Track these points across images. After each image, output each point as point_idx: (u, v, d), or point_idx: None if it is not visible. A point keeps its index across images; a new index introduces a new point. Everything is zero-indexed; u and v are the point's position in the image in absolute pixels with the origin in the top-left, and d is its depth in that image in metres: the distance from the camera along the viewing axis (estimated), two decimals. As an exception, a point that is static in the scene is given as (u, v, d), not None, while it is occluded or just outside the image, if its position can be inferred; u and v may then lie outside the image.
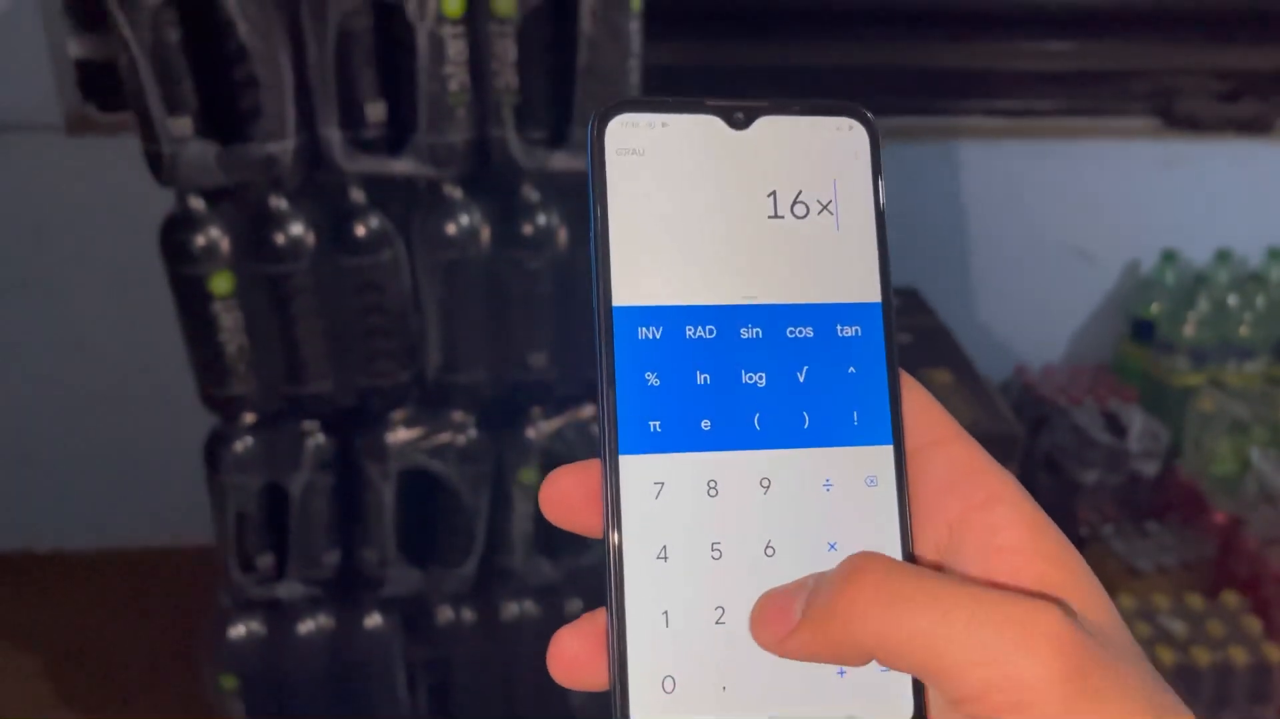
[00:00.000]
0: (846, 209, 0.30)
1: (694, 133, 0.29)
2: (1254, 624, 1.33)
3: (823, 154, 0.30)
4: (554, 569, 1.26)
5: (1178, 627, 1.34)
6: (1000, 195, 1.59)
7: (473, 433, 1.17)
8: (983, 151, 1.58)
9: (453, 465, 1.16)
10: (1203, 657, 1.29)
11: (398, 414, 1.16)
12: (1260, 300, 1.55)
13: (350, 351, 1.10)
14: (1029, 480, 1.29)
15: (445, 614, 1.28)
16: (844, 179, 0.30)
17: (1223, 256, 1.59)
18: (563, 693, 1.35)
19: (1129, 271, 1.67)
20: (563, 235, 1.06)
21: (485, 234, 1.06)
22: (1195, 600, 1.38)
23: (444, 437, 1.16)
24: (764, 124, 0.30)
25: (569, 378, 1.15)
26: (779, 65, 1.55)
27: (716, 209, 0.29)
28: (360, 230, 1.05)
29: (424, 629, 1.28)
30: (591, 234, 0.28)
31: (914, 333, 1.40)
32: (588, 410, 1.18)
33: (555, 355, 1.13)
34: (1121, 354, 1.67)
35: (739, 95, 0.30)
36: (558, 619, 1.30)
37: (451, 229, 1.05)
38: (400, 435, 1.15)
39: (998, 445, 1.19)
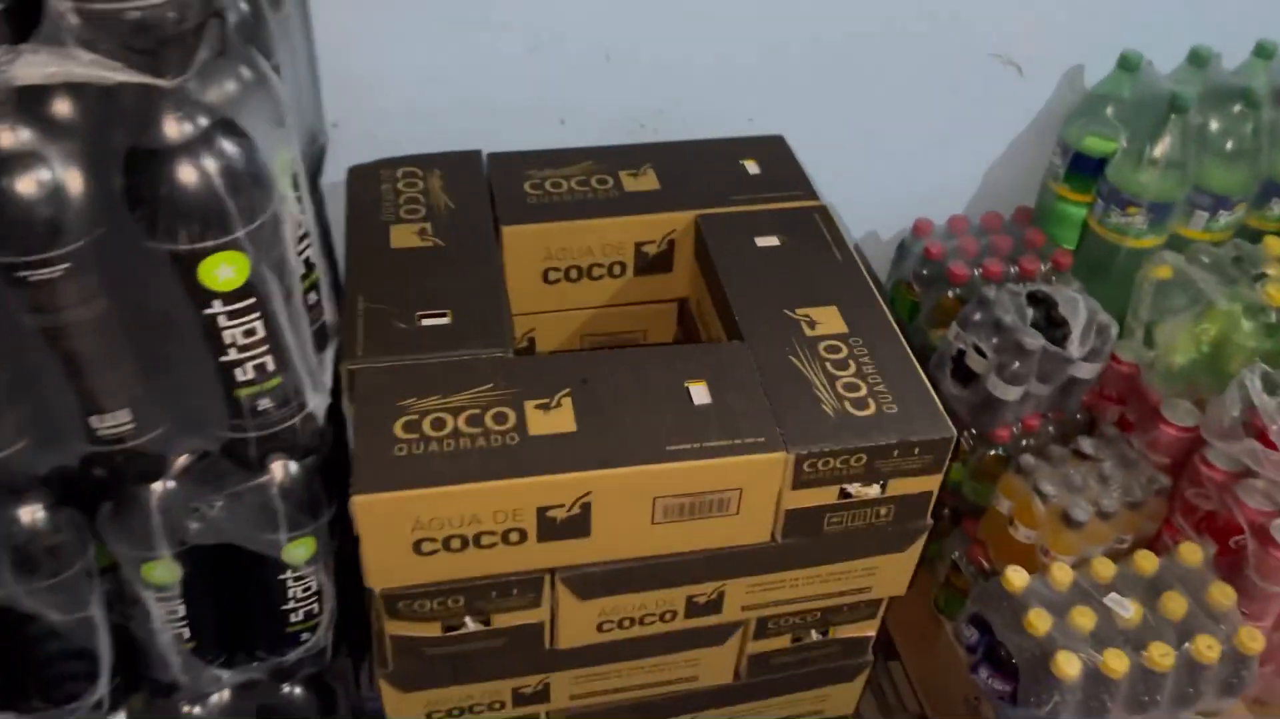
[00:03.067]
0: None
1: None
2: (1225, 595, 1.01)
3: None
4: (242, 674, 0.81)
5: (1131, 611, 1.00)
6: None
7: (40, 525, 0.67)
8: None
9: (9, 581, 0.67)
10: (1164, 657, 0.96)
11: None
12: (1249, 123, 1.12)
13: None
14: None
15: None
16: None
17: (1198, 59, 1.14)
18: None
19: (1069, 83, 1.20)
20: (85, 201, 0.52)
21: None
22: (1146, 563, 1.04)
23: (-19, 540, 0.66)
24: None
25: (182, 435, 0.65)
26: None
27: None
28: None
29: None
30: None
31: (781, 228, 0.93)
32: (225, 466, 0.68)
33: (146, 410, 0.61)
34: (1049, 196, 1.23)
35: None
36: (273, 711, 0.87)
37: None
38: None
39: (925, 453, 0.77)
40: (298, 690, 0.86)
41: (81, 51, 0.46)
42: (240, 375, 0.59)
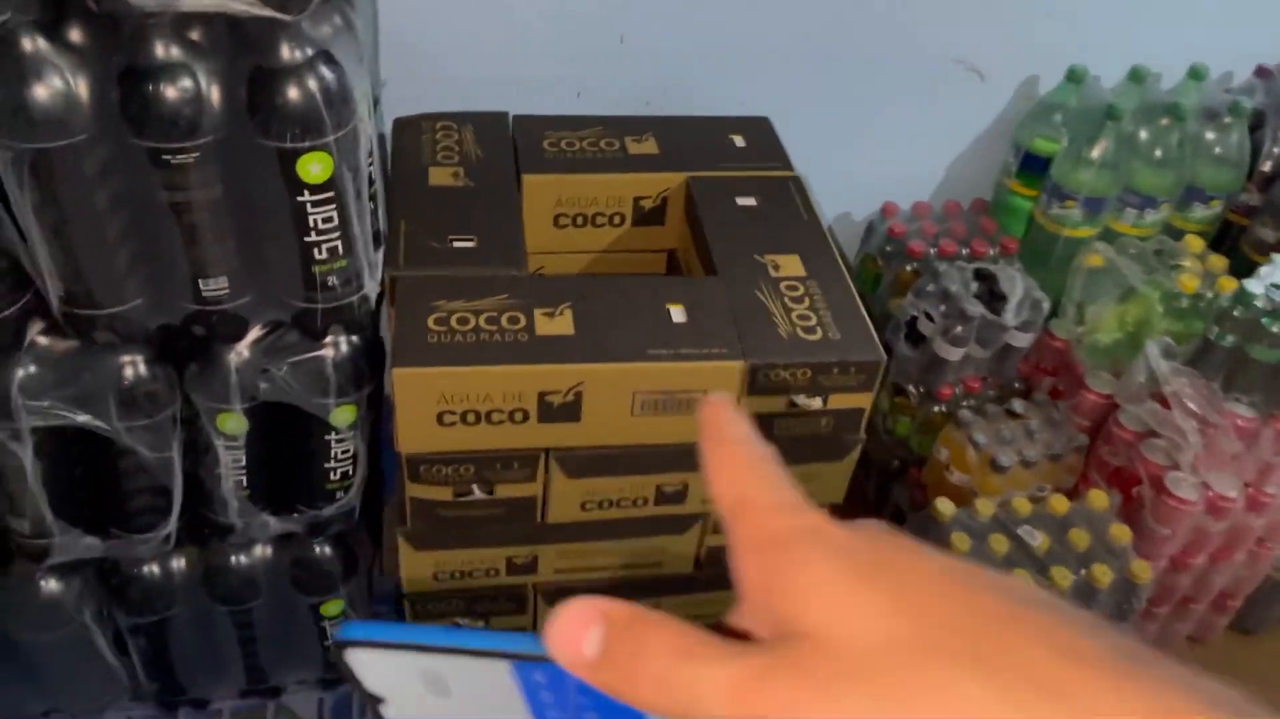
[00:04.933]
0: None
1: None
2: (1123, 533, 1.17)
3: None
4: (285, 523, 0.97)
5: (1039, 539, 1.16)
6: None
7: (142, 373, 0.83)
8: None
9: (113, 417, 0.84)
10: (1063, 578, 1.13)
11: (25, 353, 0.81)
12: (1175, 135, 1.28)
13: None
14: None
15: (150, 571, 1.00)
16: None
17: (1137, 76, 1.30)
18: (315, 639, 1.10)
19: (1024, 92, 1.37)
20: (217, 106, 0.69)
21: (90, 107, 0.68)
22: (1059, 504, 1.21)
23: (93, 380, 0.82)
24: None
25: (264, 304, 0.81)
26: None
27: None
28: (-121, 102, 0.65)
29: (123, 590, 1.00)
30: None
31: (758, 192, 1.09)
32: (295, 338, 0.85)
33: (240, 279, 0.78)
34: (1003, 191, 1.40)
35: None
36: (304, 566, 1.03)
37: (39, 95, 0.67)
38: (30, 381, 0.81)
39: (860, 372, 0.93)
40: (327, 549, 1.03)
41: (231, -10, 0.62)
42: (317, 255, 0.75)
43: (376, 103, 1.08)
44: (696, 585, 1.11)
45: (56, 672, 1.05)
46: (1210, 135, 1.30)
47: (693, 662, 0.24)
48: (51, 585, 0.97)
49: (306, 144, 0.69)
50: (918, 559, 0.25)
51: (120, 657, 1.06)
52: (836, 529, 0.26)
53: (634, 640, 0.24)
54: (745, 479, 0.27)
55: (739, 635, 0.26)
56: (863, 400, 0.95)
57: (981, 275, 1.29)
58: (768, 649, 0.24)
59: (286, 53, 0.67)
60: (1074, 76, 1.30)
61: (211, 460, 0.90)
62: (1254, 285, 1.10)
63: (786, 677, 0.23)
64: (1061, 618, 0.24)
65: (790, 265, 1.01)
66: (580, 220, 1.12)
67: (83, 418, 0.83)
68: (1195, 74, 1.32)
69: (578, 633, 0.25)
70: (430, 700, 0.28)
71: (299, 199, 0.72)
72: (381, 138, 1.13)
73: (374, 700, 0.28)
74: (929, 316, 1.28)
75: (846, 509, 1.37)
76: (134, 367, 0.83)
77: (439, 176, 1.06)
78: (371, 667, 0.27)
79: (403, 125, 1.14)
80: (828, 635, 0.23)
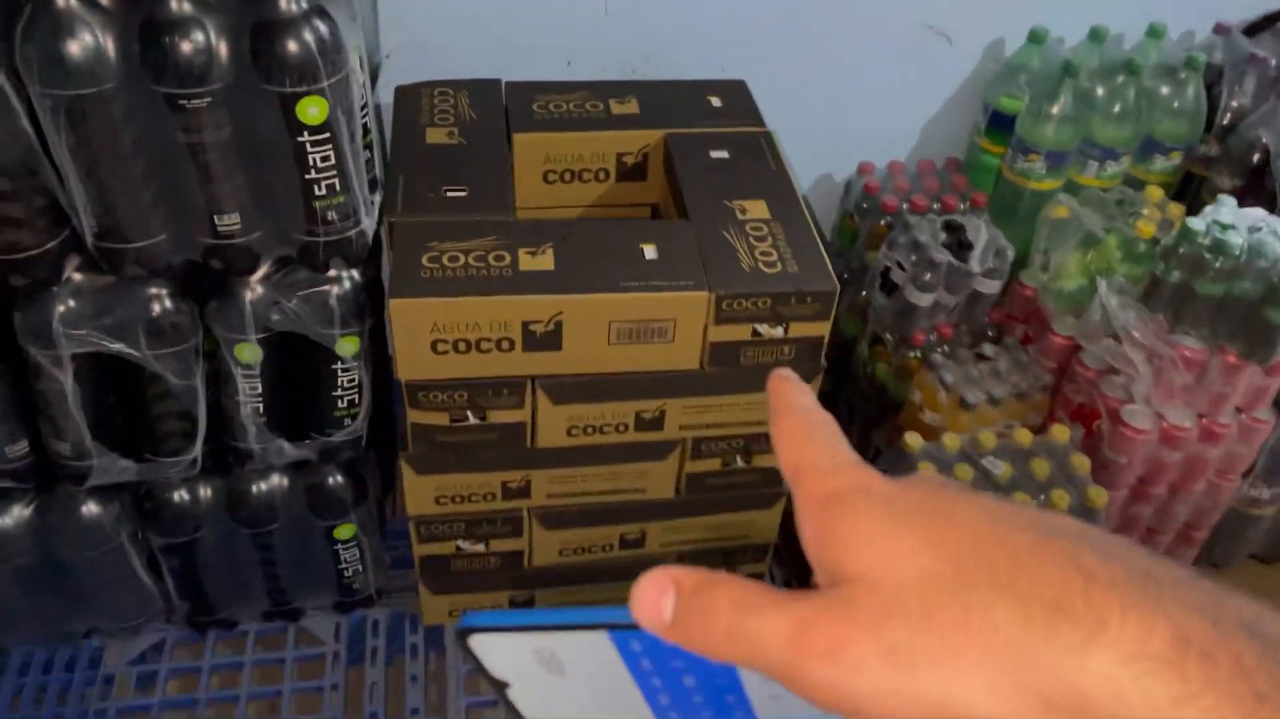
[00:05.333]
0: None
1: None
2: (1082, 463, 1.25)
3: None
4: (299, 449, 1.07)
5: (1001, 468, 1.24)
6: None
7: (167, 305, 0.94)
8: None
9: (143, 346, 0.94)
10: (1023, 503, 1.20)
11: (64, 287, 0.91)
12: (1131, 90, 1.35)
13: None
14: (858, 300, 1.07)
15: (180, 496, 1.10)
16: None
17: (1096, 35, 1.38)
18: (330, 563, 1.20)
19: (991, 54, 1.45)
20: (225, 56, 0.79)
21: (116, 58, 0.78)
22: (1023, 437, 1.28)
23: (125, 312, 0.92)
24: None
25: (273, 240, 0.91)
26: None
27: None
28: (-63, 57, 0.76)
29: (156, 513, 1.10)
30: None
31: (731, 145, 1.18)
32: (303, 274, 0.95)
33: (250, 215, 0.88)
34: (974, 149, 1.47)
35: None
36: (317, 492, 1.13)
37: (73, 49, 0.77)
38: (69, 312, 0.91)
39: (815, 301, 1.01)
40: (338, 476, 1.13)
41: (235, -49, 0.72)
42: (317, 190, 0.85)
43: (377, 70, 1.18)
44: (678, 510, 1.20)
45: (97, 591, 1.15)
46: (1166, 90, 1.37)
47: (754, 613, 0.26)
48: (92, 507, 1.07)
49: (304, 88, 0.79)
50: (958, 504, 0.26)
51: (154, 579, 1.16)
52: (884, 483, 0.28)
53: (703, 600, 0.27)
54: (804, 445, 0.29)
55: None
56: (820, 329, 1.04)
57: (950, 226, 1.36)
58: (819, 595, 0.26)
59: (284, 5, 0.77)
60: (1035, 38, 1.37)
61: (231, 389, 1.00)
62: (1197, 223, 1.17)
63: (835, 617, 0.25)
64: (1087, 544, 0.25)
65: (756, 209, 1.09)
66: (568, 176, 1.21)
67: (116, 346, 0.93)
68: (1154, 32, 1.39)
69: (656, 599, 0.27)
70: (548, 679, 0.30)
71: (299, 139, 0.82)
72: (379, 107, 1.23)
73: (499, 685, 0.31)
74: (900, 266, 1.36)
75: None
76: (160, 300, 0.93)
77: (435, 136, 1.16)
78: (491, 652, 0.30)
79: (403, 92, 1.24)
80: (871, 577, 0.25)
